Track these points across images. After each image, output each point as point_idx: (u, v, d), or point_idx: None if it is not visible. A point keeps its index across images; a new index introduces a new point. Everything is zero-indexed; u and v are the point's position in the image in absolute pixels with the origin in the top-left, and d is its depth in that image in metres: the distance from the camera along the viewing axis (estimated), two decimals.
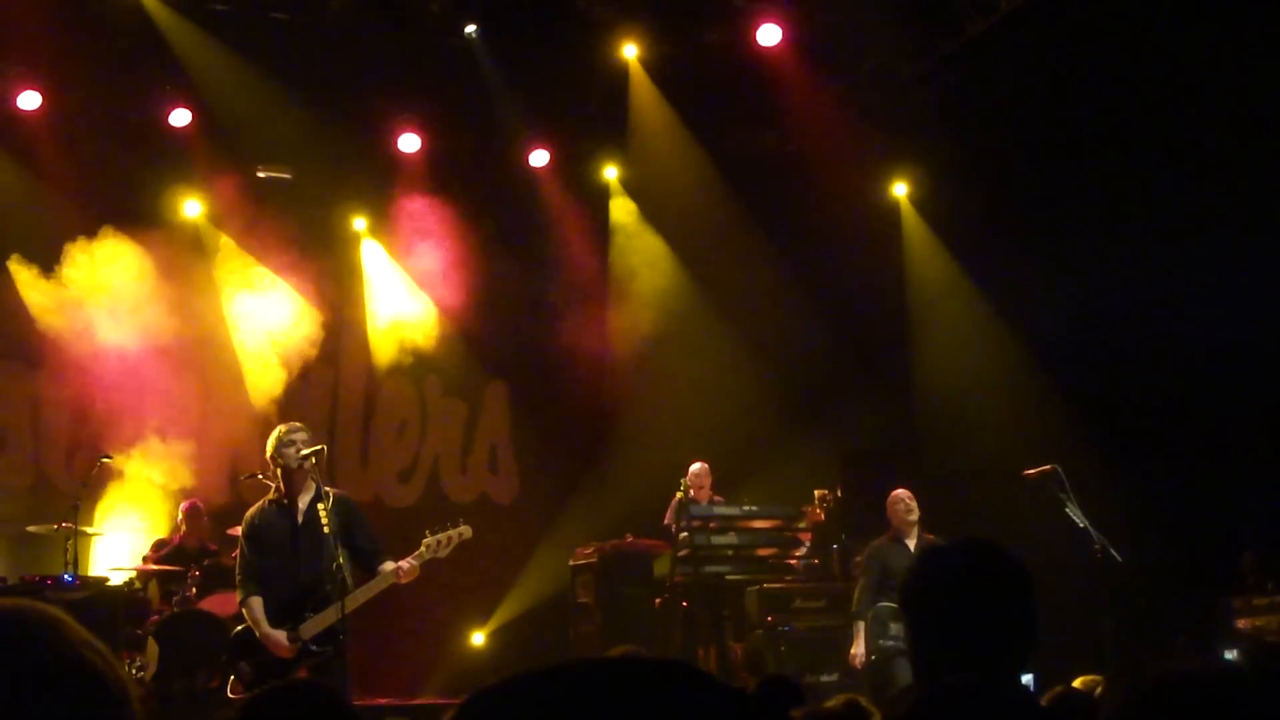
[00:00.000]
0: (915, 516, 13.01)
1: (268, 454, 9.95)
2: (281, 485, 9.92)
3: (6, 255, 15.78)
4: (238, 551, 10.19)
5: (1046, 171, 15.23)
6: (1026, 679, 10.75)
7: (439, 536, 9.99)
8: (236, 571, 10.08)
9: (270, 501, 9.99)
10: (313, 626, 9.57)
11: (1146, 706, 2.41)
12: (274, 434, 9.97)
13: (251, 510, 10.14)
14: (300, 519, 9.79)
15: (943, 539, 11.87)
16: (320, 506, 9.61)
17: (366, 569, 9.82)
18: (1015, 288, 15.46)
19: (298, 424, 10.15)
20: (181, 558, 14.24)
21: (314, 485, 9.81)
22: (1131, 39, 13.87)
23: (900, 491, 13.19)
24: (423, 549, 9.94)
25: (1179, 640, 12.71)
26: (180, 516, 14.87)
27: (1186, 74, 13.67)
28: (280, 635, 9.60)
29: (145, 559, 14.39)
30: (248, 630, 9.80)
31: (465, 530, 10.11)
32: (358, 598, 9.64)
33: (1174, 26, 13.54)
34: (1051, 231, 14.86)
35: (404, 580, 9.82)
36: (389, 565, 9.79)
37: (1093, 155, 14.75)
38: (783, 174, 18.01)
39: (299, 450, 9.76)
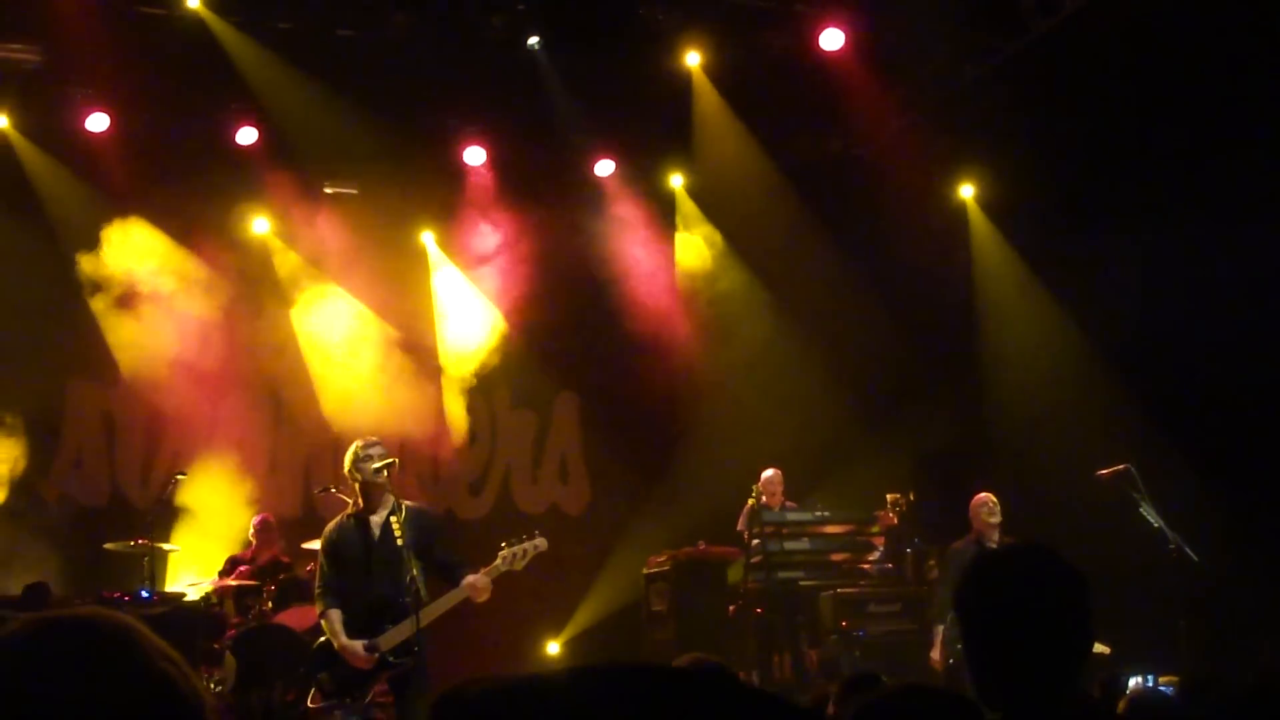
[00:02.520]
0: (998, 520, 12.95)
1: (345, 468, 10.05)
2: (359, 499, 9.99)
3: (78, 275, 15.92)
4: (316, 565, 10.29)
5: (1114, 169, 15.07)
6: (1135, 681, 10.61)
7: (515, 549, 10.02)
8: (315, 584, 10.20)
9: (348, 516, 10.08)
10: (390, 639, 9.65)
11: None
12: (351, 448, 10.04)
13: (330, 525, 10.25)
14: (376, 533, 9.87)
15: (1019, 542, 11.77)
16: (394, 520, 9.68)
17: (449, 580, 9.88)
18: (1085, 286, 15.33)
19: (374, 438, 10.20)
20: (255, 572, 14.29)
21: (390, 499, 9.90)
22: (1200, 32, 13.70)
23: (984, 495, 13.13)
24: (498, 561, 9.97)
25: (1265, 643, 12.51)
26: (251, 530, 14.95)
27: (1258, 66, 13.51)
28: (357, 646, 9.68)
29: (220, 575, 14.44)
30: (328, 642, 9.88)
31: (541, 542, 10.13)
32: (434, 610, 9.71)
33: (1244, 17, 13.38)
34: (1121, 229, 14.68)
35: (478, 599, 9.87)
36: (470, 577, 9.82)
37: (1162, 152, 14.56)
38: (849, 178, 17.98)
39: (374, 464, 9.84)
